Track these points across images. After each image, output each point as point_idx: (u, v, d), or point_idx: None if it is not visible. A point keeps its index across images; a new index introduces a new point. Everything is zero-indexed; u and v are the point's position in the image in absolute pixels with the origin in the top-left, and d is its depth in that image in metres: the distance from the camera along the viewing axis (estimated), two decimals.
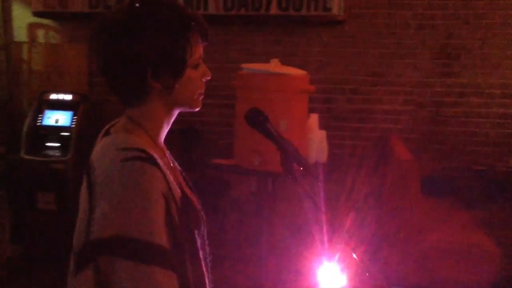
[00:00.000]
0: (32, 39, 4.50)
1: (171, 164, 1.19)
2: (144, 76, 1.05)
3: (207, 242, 1.20)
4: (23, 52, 4.45)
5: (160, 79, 1.06)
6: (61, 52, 4.41)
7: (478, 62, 4.01)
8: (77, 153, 3.79)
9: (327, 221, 1.23)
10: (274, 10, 4.06)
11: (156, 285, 0.93)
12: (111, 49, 1.05)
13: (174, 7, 1.07)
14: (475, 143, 4.05)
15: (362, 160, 3.94)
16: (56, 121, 3.94)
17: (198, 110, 1.15)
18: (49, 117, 3.96)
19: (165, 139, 1.18)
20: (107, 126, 1.15)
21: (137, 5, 1.06)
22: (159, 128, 1.13)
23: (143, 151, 1.01)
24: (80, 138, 3.82)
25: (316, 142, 3.05)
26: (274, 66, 2.89)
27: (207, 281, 1.12)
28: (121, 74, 1.06)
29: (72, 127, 3.88)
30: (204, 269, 1.11)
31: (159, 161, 1.04)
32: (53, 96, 4.01)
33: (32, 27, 4.50)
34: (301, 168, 1.22)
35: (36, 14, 4.37)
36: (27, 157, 3.82)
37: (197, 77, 1.12)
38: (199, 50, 1.11)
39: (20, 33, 4.50)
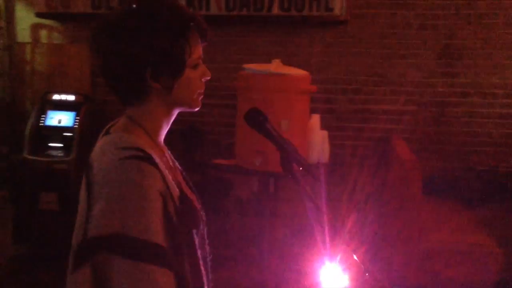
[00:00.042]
0: (35, 40, 4.52)
1: (171, 164, 1.19)
2: (143, 76, 1.05)
3: (207, 241, 1.20)
4: (26, 52, 4.46)
5: (160, 79, 1.07)
6: (64, 52, 4.42)
7: (480, 62, 4.01)
8: (79, 153, 3.79)
9: (328, 221, 1.23)
10: (276, 10, 4.06)
11: (153, 283, 0.94)
12: (110, 49, 1.05)
13: (174, 8, 1.08)
14: (477, 143, 4.04)
15: (363, 161, 3.94)
16: (59, 122, 3.95)
17: (200, 110, 1.16)
18: (51, 118, 3.97)
19: (167, 139, 1.18)
20: (107, 126, 1.16)
21: (137, 5, 1.07)
22: (159, 127, 1.13)
23: (141, 150, 1.01)
24: (82, 139, 3.83)
25: (317, 143, 3.05)
26: (276, 66, 2.89)
27: (205, 280, 1.12)
28: (121, 74, 1.07)
29: (75, 127, 3.89)
30: (202, 268, 1.11)
31: (158, 160, 1.04)
32: (56, 97, 4.03)
33: (35, 28, 4.52)
34: (301, 168, 1.22)
35: (39, 15, 4.39)
36: (30, 157, 3.83)
37: (197, 77, 1.12)
38: (198, 50, 1.11)
39: (23, 34, 4.52)
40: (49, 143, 3.92)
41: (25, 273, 3.64)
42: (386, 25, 4.07)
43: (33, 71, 4.47)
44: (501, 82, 4.01)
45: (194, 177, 1.28)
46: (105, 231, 0.95)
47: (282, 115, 2.77)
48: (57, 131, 3.93)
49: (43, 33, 4.52)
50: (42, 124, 3.94)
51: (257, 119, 1.25)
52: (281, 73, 2.84)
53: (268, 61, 2.97)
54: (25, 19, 4.49)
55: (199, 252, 1.11)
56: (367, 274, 1.14)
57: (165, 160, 1.15)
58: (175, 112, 1.15)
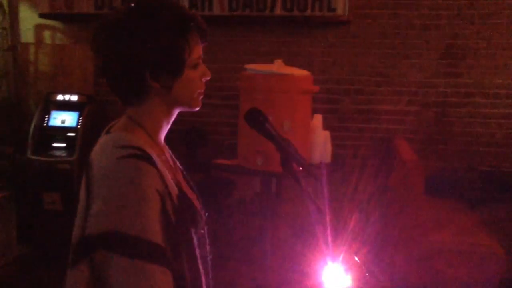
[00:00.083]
0: (39, 40, 4.54)
1: (171, 163, 1.20)
2: (143, 75, 1.06)
3: (207, 241, 1.21)
4: (29, 53, 4.48)
5: (159, 79, 1.07)
6: (67, 53, 4.43)
7: (483, 62, 4.00)
8: (83, 153, 3.80)
9: (330, 222, 1.23)
10: (278, 10, 4.07)
11: (150, 281, 0.94)
12: (110, 49, 1.06)
13: (174, 8, 1.08)
14: (480, 144, 4.04)
15: (366, 161, 3.94)
16: (62, 122, 3.96)
17: (202, 110, 1.16)
18: (55, 118, 3.98)
19: (168, 139, 1.19)
20: (108, 126, 1.17)
21: (137, 5, 1.08)
22: (159, 127, 1.14)
23: (139, 149, 1.02)
24: (86, 139, 3.84)
25: (320, 143, 3.05)
26: (278, 66, 2.89)
27: (203, 279, 1.12)
28: (120, 73, 1.08)
29: (78, 127, 3.90)
30: (200, 267, 1.11)
31: (157, 159, 1.05)
32: (60, 97, 4.04)
33: (38, 28, 4.54)
34: (301, 169, 1.23)
35: (43, 15, 4.41)
36: (34, 157, 3.85)
37: (196, 77, 1.13)
38: (198, 50, 1.12)
39: (26, 34, 4.54)
40: (53, 143, 3.92)
41: (30, 273, 3.65)
42: (388, 25, 4.07)
43: (37, 71, 4.49)
44: (504, 83, 4.00)
45: (196, 177, 1.29)
46: (103, 229, 0.96)
47: (284, 115, 2.77)
48: (61, 131, 3.94)
49: (47, 33, 4.54)
50: (45, 124, 3.94)
51: (257, 119, 1.25)
52: (283, 73, 2.85)
53: (271, 61, 2.97)
54: (28, 20, 4.51)
55: (197, 251, 1.11)
56: (367, 274, 1.14)
57: (165, 159, 1.15)
58: (175, 112, 1.16)
